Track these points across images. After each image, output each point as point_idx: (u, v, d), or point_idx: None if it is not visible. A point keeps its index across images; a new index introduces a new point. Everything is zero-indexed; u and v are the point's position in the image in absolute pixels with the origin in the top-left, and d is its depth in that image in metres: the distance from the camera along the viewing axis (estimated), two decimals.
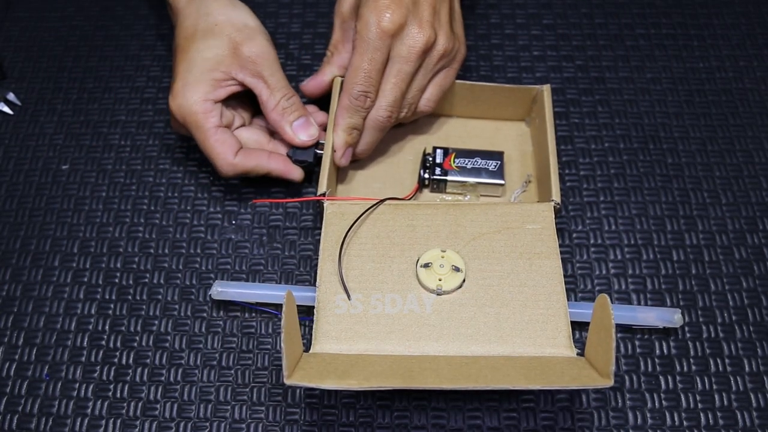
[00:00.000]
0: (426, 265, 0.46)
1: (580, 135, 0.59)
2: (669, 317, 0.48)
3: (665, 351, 0.49)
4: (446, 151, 0.55)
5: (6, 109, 0.61)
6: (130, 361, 0.49)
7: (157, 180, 0.57)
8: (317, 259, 0.47)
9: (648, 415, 0.47)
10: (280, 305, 0.38)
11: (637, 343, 0.49)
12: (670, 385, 0.48)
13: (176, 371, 0.48)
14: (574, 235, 0.54)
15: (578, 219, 0.55)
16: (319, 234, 0.49)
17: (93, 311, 0.51)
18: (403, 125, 0.57)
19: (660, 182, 0.56)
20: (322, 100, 0.56)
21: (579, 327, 0.49)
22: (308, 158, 0.53)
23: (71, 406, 0.47)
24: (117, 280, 0.52)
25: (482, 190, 0.54)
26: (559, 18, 0.66)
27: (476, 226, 0.48)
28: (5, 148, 0.59)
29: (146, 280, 0.52)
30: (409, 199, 0.52)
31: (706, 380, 0.48)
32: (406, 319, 0.45)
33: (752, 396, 0.47)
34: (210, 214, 0.55)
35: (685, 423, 0.46)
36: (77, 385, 0.48)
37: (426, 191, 0.55)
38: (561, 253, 0.47)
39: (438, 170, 0.54)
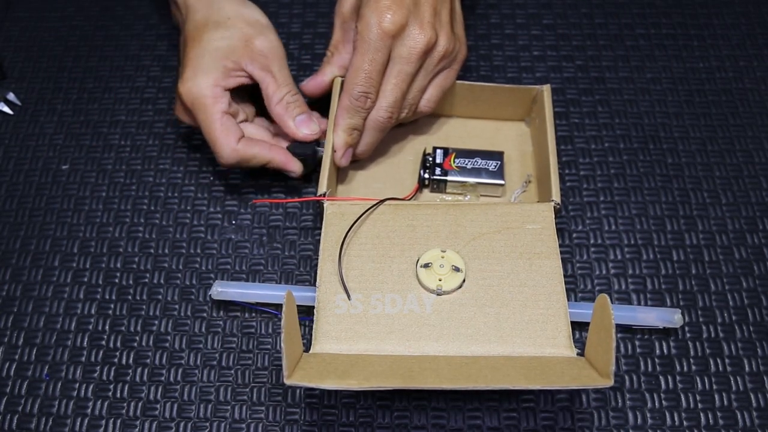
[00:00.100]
0: (426, 265, 0.46)
1: (580, 135, 0.59)
2: (669, 317, 0.48)
3: (665, 351, 0.49)
4: (446, 151, 0.55)
5: (6, 109, 0.61)
6: (130, 361, 0.49)
7: (157, 180, 0.57)
8: (317, 259, 0.47)
9: (648, 415, 0.47)
10: (280, 305, 0.38)
11: (637, 343, 0.49)
12: (670, 385, 0.48)
13: (176, 371, 0.48)
14: (574, 235, 0.54)
15: (578, 219, 0.55)
16: (319, 234, 0.49)
17: (93, 311, 0.51)
18: (403, 125, 0.57)
19: (660, 182, 0.56)
20: (322, 102, 0.55)
21: (579, 327, 0.49)
22: (307, 151, 0.53)
23: (71, 406, 0.47)
24: (117, 280, 0.52)
25: (482, 190, 0.54)
26: (559, 18, 0.66)
27: (476, 226, 0.48)
28: (5, 148, 0.59)
29: (146, 280, 0.52)
30: (409, 199, 0.52)
31: (706, 380, 0.48)
32: (406, 319, 0.45)
33: (752, 396, 0.47)
34: (210, 214, 0.55)
35: (685, 423, 0.46)
36: (77, 385, 0.48)
37: (426, 191, 0.55)
38: (561, 253, 0.47)
39: (438, 170, 0.54)
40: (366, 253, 0.47)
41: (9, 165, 0.58)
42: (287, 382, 0.37)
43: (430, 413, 0.47)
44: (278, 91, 0.52)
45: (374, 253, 0.47)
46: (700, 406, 0.47)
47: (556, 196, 0.49)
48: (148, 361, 0.49)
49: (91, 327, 0.50)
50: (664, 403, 0.47)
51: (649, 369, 0.48)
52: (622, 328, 0.49)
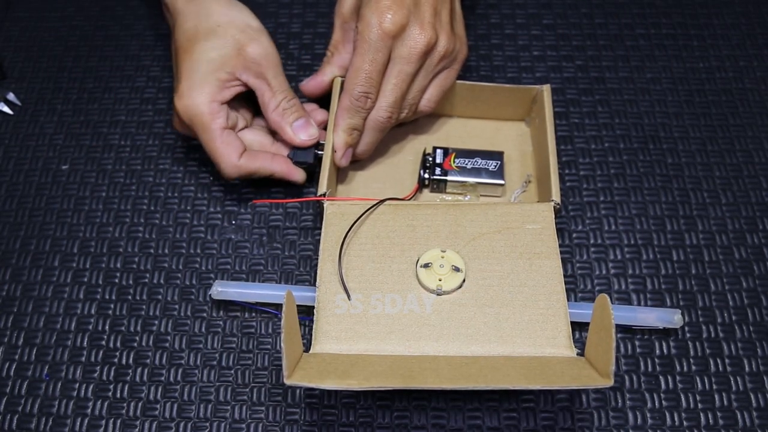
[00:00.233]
0: (426, 265, 0.46)
1: (580, 135, 0.59)
2: (669, 318, 0.48)
3: (665, 351, 0.49)
4: (446, 151, 0.55)
5: (6, 109, 0.61)
6: (130, 361, 0.49)
7: (157, 180, 0.57)
8: (317, 259, 0.47)
9: (648, 415, 0.47)
10: (280, 305, 0.38)
11: (637, 343, 0.49)
12: (670, 385, 0.48)
13: (176, 371, 0.48)
14: (574, 235, 0.54)
15: (578, 219, 0.55)
16: (319, 234, 0.49)
17: (93, 311, 0.51)
18: (404, 125, 0.57)
19: (660, 182, 0.56)
20: (323, 103, 0.55)
21: (579, 327, 0.49)
22: (308, 159, 0.53)
23: (71, 406, 0.47)
24: (117, 280, 0.52)
25: (482, 190, 0.54)
26: (559, 18, 0.66)
27: (476, 226, 0.48)
28: (5, 148, 0.59)
29: (146, 280, 0.52)
30: (409, 199, 0.52)
31: (706, 380, 0.48)
32: (406, 319, 0.45)
33: (752, 396, 0.47)
34: (210, 214, 0.55)
35: (685, 423, 0.46)
36: (77, 385, 0.48)
37: (426, 191, 0.55)
38: (561, 253, 0.47)
39: (438, 170, 0.54)
40: (366, 253, 0.47)
41: (9, 165, 0.58)
42: (287, 382, 0.37)
43: (430, 413, 0.47)
44: (274, 98, 0.52)
45: (374, 253, 0.47)
46: (700, 406, 0.47)
47: (556, 196, 0.49)
48: (148, 361, 0.49)
49: (91, 327, 0.50)
50: (664, 403, 0.47)
51: (649, 369, 0.48)
52: (622, 329, 0.49)
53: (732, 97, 0.61)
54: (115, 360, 0.49)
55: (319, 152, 0.53)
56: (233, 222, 0.55)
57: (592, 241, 0.54)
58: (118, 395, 0.48)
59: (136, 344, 0.49)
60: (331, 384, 0.38)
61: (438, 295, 0.46)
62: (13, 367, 0.49)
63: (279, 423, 0.47)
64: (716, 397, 0.47)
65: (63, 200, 0.56)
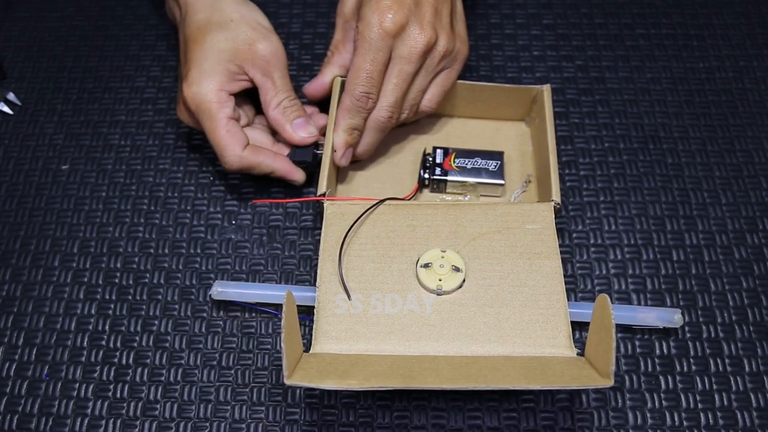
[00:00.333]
0: (426, 265, 0.46)
1: (580, 135, 0.59)
2: (669, 317, 0.48)
3: (665, 351, 0.49)
4: (446, 151, 0.55)
5: (6, 109, 0.61)
6: (130, 361, 0.49)
7: (157, 180, 0.57)
8: (317, 259, 0.47)
9: (648, 415, 0.47)
10: (280, 305, 0.38)
11: (637, 343, 0.49)
12: (670, 385, 0.48)
13: (176, 371, 0.48)
14: (574, 235, 0.54)
15: (578, 219, 0.55)
16: (319, 234, 0.49)
17: (93, 311, 0.51)
18: (404, 125, 0.57)
19: (660, 182, 0.56)
20: (324, 105, 0.55)
21: (579, 327, 0.49)
22: (307, 158, 0.53)
23: (71, 406, 0.47)
24: (117, 280, 0.52)
25: (482, 190, 0.54)
26: (559, 18, 0.66)
27: (476, 226, 0.48)
28: (5, 148, 0.59)
29: (146, 280, 0.52)
30: (409, 199, 0.52)
31: (706, 380, 0.48)
32: (406, 319, 0.45)
33: (752, 396, 0.47)
34: (210, 214, 0.55)
35: (685, 423, 0.46)
36: (77, 385, 0.48)
37: (426, 191, 0.55)
38: (561, 253, 0.47)
39: (438, 170, 0.54)
40: (366, 253, 0.47)
41: (9, 165, 0.58)
42: (287, 382, 0.37)
43: (430, 413, 0.47)
44: (276, 96, 0.52)
45: (374, 253, 0.47)
46: (700, 406, 0.47)
47: (556, 196, 0.49)
48: (148, 361, 0.49)
49: (91, 327, 0.50)
50: (664, 403, 0.47)
51: (649, 369, 0.48)
52: (622, 328, 0.49)
53: (732, 97, 0.61)
54: (115, 360, 0.49)
55: (319, 152, 0.53)
56: (233, 222, 0.55)
57: (592, 241, 0.54)
58: (118, 395, 0.48)
59: (136, 344, 0.49)
60: (331, 384, 0.38)
61: (438, 295, 0.46)
62: (13, 367, 0.49)
63: (279, 423, 0.47)
64: (716, 397, 0.47)
65: (63, 200, 0.56)
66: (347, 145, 0.52)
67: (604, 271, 0.52)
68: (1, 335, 0.50)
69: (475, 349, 0.44)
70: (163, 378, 0.48)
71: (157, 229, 0.54)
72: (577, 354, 0.43)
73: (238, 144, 0.50)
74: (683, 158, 0.57)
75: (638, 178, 0.56)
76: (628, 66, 0.63)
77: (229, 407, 0.47)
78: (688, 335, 0.50)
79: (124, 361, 0.49)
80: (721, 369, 0.48)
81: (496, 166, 0.54)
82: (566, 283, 0.46)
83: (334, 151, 0.52)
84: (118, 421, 0.47)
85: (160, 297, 0.51)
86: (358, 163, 0.55)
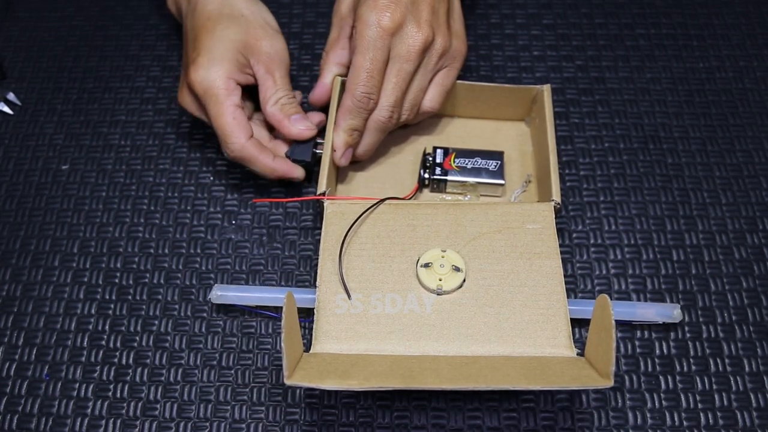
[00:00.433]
0: (426, 265, 0.46)
1: (580, 135, 0.59)
2: (668, 312, 0.48)
3: (665, 351, 0.49)
4: (446, 151, 0.55)
5: (6, 109, 0.61)
6: (130, 361, 0.49)
7: (157, 180, 0.57)
8: (317, 259, 0.47)
9: (648, 415, 0.47)
10: (280, 308, 0.38)
11: (637, 343, 0.49)
12: (670, 385, 0.48)
13: (176, 371, 0.48)
14: (574, 235, 0.54)
15: (578, 219, 0.55)
16: (319, 234, 0.49)
17: (93, 311, 0.51)
18: (406, 126, 0.57)
19: (660, 182, 0.56)
20: (324, 109, 0.55)
21: (579, 325, 0.49)
22: (306, 158, 0.53)
23: (71, 406, 0.47)
24: (117, 280, 0.52)
25: (482, 190, 0.54)
26: (559, 18, 0.66)
27: (476, 226, 0.48)
28: (5, 148, 0.59)
29: (146, 280, 0.52)
30: (410, 199, 0.52)
31: (706, 380, 0.48)
32: (406, 319, 0.45)
33: (752, 396, 0.47)
34: (210, 214, 0.55)
35: (685, 423, 0.46)
36: (77, 385, 0.48)
37: (426, 191, 0.55)
38: (561, 253, 0.47)
39: (438, 170, 0.54)
40: (366, 253, 0.47)
41: (9, 165, 0.58)
42: (287, 382, 0.37)
43: (430, 413, 0.47)
44: (276, 93, 0.52)
45: (374, 252, 0.47)
46: (700, 406, 0.47)
47: (556, 196, 0.49)
48: (148, 361, 0.49)
49: (91, 327, 0.50)
50: (664, 403, 0.47)
51: (649, 369, 0.48)
52: (622, 325, 0.49)
53: (732, 97, 0.61)
54: (115, 360, 0.49)
55: (318, 151, 0.53)
56: (233, 222, 0.55)
57: (592, 241, 0.54)
58: (118, 395, 0.48)
59: (136, 344, 0.49)
60: (331, 384, 0.38)
61: (438, 294, 0.46)
62: (13, 367, 0.49)
63: (279, 423, 0.47)
64: (716, 397, 0.47)
65: (63, 200, 0.56)
66: (347, 146, 0.52)
67: (604, 271, 0.52)
68: (1, 335, 0.50)
69: (475, 349, 0.44)
70: (163, 378, 0.48)
71: (157, 229, 0.54)
72: (577, 354, 0.43)
73: (243, 132, 0.50)
74: (683, 158, 0.57)
75: (638, 178, 0.56)
76: (628, 66, 0.63)
77: (229, 407, 0.47)
78: (688, 335, 0.50)
79: (124, 361, 0.49)
80: (721, 369, 0.48)
81: (496, 166, 0.54)
82: (566, 283, 0.46)
83: (333, 150, 0.51)
84: (118, 421, 0.47)
85: (160, 297, 0.51)
86: (358, 162, 0.55)
